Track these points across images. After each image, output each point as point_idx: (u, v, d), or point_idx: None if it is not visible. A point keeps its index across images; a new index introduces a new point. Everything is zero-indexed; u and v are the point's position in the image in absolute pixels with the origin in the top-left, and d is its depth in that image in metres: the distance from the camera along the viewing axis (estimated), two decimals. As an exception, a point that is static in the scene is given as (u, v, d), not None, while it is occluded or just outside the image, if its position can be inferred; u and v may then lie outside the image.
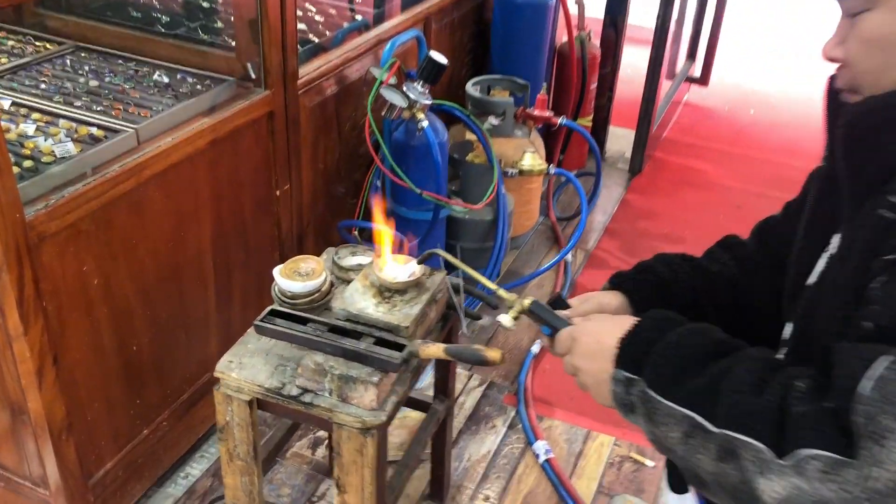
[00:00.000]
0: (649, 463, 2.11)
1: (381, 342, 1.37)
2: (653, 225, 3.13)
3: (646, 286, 1.24)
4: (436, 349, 1.32)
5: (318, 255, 2.35)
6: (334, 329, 1.40)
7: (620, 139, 3.65)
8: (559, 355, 1.15)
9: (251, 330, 1.51)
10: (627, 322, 1.02)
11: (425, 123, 2.14)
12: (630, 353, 0.98)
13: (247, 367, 1.42)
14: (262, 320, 1.41)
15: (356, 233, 2.41)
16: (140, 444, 1.81)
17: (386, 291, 1.48)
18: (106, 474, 1.72)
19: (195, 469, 2.01)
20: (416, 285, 1.49)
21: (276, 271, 1.52)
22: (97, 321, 1.60)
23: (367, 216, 2.46)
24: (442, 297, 1.56)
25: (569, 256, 2.86)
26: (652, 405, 0.93)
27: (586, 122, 3.32)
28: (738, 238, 1.30)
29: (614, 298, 1.22)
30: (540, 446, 2.10)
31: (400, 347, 1.36)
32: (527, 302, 1.22)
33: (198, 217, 1.80)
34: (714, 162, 3.67)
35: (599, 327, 1.06)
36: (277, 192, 2.07)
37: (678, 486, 1.59)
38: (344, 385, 1.35)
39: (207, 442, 2.08)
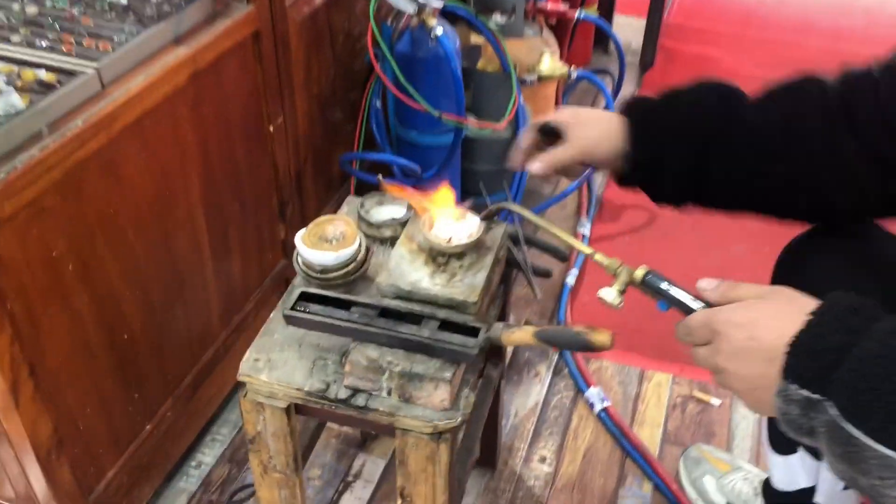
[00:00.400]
0: (715, 401, 1.90)
1: (445, 325, 1.09)
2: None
3: (651, 113, 1.13)
4: (523, 334, 1.04)
5: (320, 195, 2.05)
6: (385, 312, 1.11)
7: (623, 28, 3.30)
8: (687, 343, 0.89)
9: (275, 315, 1.22)
10: (797, 312, 0.75)
11: (439, 31, 1.80)
12: (809, 366, 0.72)
13: (278, 365, 1.14)
14: (293, 308, 1.12)
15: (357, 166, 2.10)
16: (144, 443, 1.54)
17: (439, 256, 1.19)
18: (108, 485, 1.45)
19: (207, 456, 1.75)
20: (475, 245, 1.20)
21: (299, 239, 1.22)
22: (78, 314, 1.29)
23: (369, 145, 2.13)
24: (503, 255, 1.27)
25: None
26: (854, 448, 0.68)
27: (591, 11, 2.96)
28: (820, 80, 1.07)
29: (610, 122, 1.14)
30: (594, 394, 1.87)
31: (471, 331, 1.08)
32: (640, 273, 0.95)
33: (184, 170, 1.48)
34: (729, 48, 3.35)
35: (754, 316, 0.79)
36: (270, 127, 1.73)
37: (782, 447, 1.36)
38: (407, 383, 1.07)
39: (216, 423, 1.81)
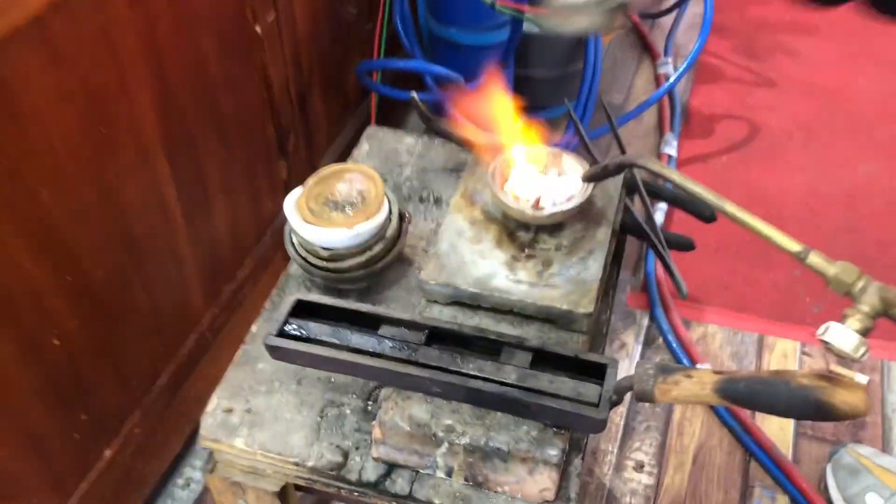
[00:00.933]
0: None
1: (541, 357, 0.64)
2: (770, 11, 2.28)
3: None
4: (694, 388, 0.57)
5: (332, 119, 1.57)
6: (437, 334, 0.66)
7: None
8: None
9: (255, 328, 0.77)
10: None
11: None
12: None
13: (264, 420, 0.70)
14: (282, 331, 0.66)
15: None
16: (104, 474, 1.12)
17: (522, 231, 0.72)
18: (54, 541, 1.05)
19: (198, 469, 1.34)
20: (580, 211, 0.73)
21: (291, 206, 0.76)
22: (-32, 324, 0.85)
23: (393, 49, 1.63)
24: (618, 221, 0.80)
25: (670, 70, 2.06)
26: None
27: None
28: None
29: None
30: (701, 374, 1.41)
31: (590, 369, 0.62)
32: None
33: (127, 94, 1.00)
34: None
35: None
36: (258, 28, 1.25)
37: None
38: (480, 462, 0.63)
39: (211, 424, 1.39)
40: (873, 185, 1.78)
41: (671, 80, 1.79)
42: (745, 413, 1.37)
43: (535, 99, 1.78)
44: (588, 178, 0.70)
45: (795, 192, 1.76)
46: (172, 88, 1.08)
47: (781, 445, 1.34)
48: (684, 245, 0.82)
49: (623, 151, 0.82)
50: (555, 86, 1.77)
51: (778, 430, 1.37)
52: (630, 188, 0.83)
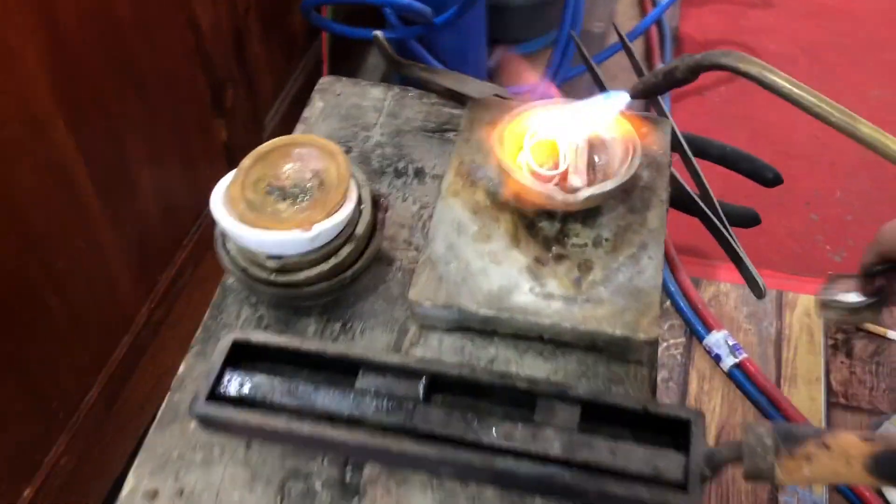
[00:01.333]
0: (894, 334, 1.28)
1: (592, 411, 0.44)
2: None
3: None
4: (841, 465, 0.39)
5: (276, 66, 1.34)
6: (440, 382, 0.46)
7: None
8: None
9: (184, 367, 0.57)
10: None
11: None
12: None
13: (202, 502, 0.50)
14: (214, 392, 0.46)
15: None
16: (23, 516, 0.92)
17: (543, 220, 0.52)
18: None
19: (147, 489, 1.14)
20: (623, 190, 0.53)
21: (219, 199, 0.55)
22: None
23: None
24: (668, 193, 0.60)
25: (656, -9, 1.84)
26: None
27: None
28: None
29: None
30: (719, 341, 1.24)
31: (664, 425, 0.43)
32: None
33: (5, 49, 0.77)
34: None
35: None
36: (176, -44, 1.01)
37: None
38: (513, 566, 0.44)
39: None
40: (887, 110, 1.60)
41: (660, 4, 1.58)
42: (771, 385, 1.21)
43: (511, 31, 1.58)
44: (643, 93, 0.50)
45: (803, 124, 1.57)
46: (67, 37, 0.85)
47: (812, 417, 1.19)
48: (749, 219, 0.62)
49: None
50: (532, 15, 1.55)
51: (808, 400, 1.21)
52: (675, 146, 0.63)
